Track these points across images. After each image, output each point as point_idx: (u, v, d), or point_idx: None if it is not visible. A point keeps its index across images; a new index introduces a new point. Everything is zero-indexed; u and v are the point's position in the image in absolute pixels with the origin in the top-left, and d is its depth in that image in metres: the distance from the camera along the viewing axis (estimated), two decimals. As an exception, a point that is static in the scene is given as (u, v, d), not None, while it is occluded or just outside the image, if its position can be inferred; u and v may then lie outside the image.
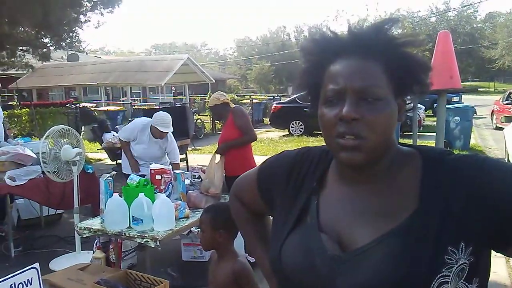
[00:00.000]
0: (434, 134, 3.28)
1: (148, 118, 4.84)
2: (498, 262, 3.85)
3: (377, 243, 0.84)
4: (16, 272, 1.48)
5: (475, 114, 11.94)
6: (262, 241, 1.23)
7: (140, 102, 21.90)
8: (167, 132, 4.70)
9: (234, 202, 1.28)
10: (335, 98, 0.87)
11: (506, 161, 7.80)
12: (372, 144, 0.85)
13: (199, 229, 4.23)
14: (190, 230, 4.12)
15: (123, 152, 4.94)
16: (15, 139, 5.47)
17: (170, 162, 4.84)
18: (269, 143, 12.78)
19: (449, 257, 0.80)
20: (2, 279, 1.45)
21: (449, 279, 0.80)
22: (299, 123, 14.53)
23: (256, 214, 1.24)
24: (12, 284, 1.46)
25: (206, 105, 18.63)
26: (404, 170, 0.90)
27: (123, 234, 3.23)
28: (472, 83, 45.33)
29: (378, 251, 0.83)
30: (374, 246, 0.84)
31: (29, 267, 1.53)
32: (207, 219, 2.19)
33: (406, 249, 0.81)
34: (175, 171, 4.00)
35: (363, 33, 0.89)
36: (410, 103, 0.91)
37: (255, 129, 4.62)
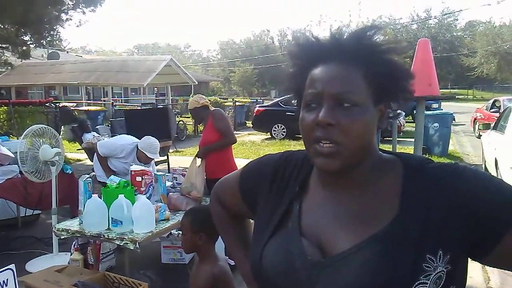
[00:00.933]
0: (413, 139, 3.34)
1: (136, 139, 4.60)
2: (474, 267, 3.89)
3: (357, 249, 0.84)
4: (-9, 273, 1.45)
5: (453, 121, 12.15)
6: (242, 244, 1.23)
7: (121, 102, 21.66)
8: (153, 159, 4.55)
9: (215, 204, 1.27)
10: (313, 103, 0.88)
11: (483, 167, 7.96)
12: (347, 150, 0.86)
13: (179, 231, 4.22)
14: (170, 232, 4.10)
15: (96, 160, 4.66)
16: (-8, 137, 5.35)
17: None
18: (251, 146, 12.78)
19: (427, 265, 0.81)
20: (-24, 280, 1.43)
21: (426, 286, 0.81)
22: (281, 126, 14.59)
23: (237, 217, 1.24)
24: (-14, 286, 1.43)
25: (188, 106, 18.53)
26: (385, 176, 0.91)
27: (102, 236, 3.19)
28: (451, 90, 46.15)
29: (358, 257, 0.83)
30: (354, 252, 0.84)
31: (4, 268, 1.50)
32: (187, 222, 2.19)
33: (385, 256, 0.82)
34: (156, 172, 3.98)
35: (345, 39, 0.90)
36: (396, 110, 0.91)
37: (237, 132, 4.63)
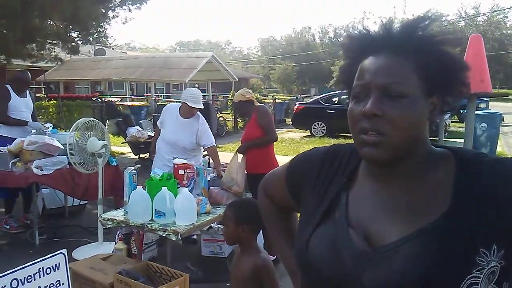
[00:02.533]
0: (459, 140, 3.22)
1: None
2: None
3: (406, 241, 0.84)
4: (45, 257, 1.52)
5: (502, 122, 11.66)
6: (288, 237, 1.24)
7: (163, 98, 22.08)
8: (197, 110, 4.37)
9: (262, 197, 1.29)
10: (361, 94, 0.89)
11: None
12: (393, 142, 0.85)
13: (219, 225, 4.27)
14: (211, 226, 4.15)
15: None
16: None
17: (204, 146, 4.54)
18: (290, 143, 12.74)
19: (481, 259, 0.80)
20: (31, 262, 1.49)
21: (479, 280, 0.80)
22: (321, 124, 14.47)
23: (284, 209, 1.25)
24: (40, 268, 1.50)
25: (228, 103, 18.69)
26: (437, 170, 0.90)
27: (145, 227, 3.27)
28: (500, 90, 44.31)
29: (406, 249, 0.83)
30: (403, 244, 0.84)
31: (56, 252, 1.56)
32: (231, 213, 2.20)
33: (435, 248, 0.81)
34: (197, 166, 4.04)
35: (396, 31, 0.90)
36: (451, 104, 0.89)
37: (277, 129, 4.59)
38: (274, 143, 4.43)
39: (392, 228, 0.87)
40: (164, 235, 3.18)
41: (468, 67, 0.90)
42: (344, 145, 1.08)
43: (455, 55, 0.89)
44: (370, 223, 0.91)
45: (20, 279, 1.46)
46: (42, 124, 5.41)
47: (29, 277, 1.49)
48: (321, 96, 15.72)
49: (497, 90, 43.42)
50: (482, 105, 17.90)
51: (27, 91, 5.34)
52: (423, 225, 0.84)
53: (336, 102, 14.54)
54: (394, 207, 0.90)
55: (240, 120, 16.86)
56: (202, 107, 4.44)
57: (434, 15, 0.90)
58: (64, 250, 1.60)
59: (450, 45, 0.88)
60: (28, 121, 5.10)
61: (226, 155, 8.22)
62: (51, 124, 5.46)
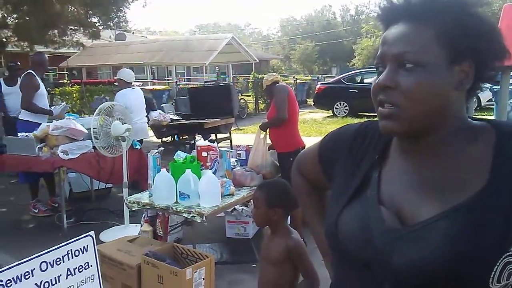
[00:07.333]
0: (488, 117, 3.09)
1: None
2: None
3: (439, 218, 0.80)
4: (73, 239, 1.52)
5: (533, 97, 11.29)
6: (321, 215, 1.23)
7: (184, 81, 22.11)
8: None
9: (296, 176, 1.28)
10: (380, 66, 0.86)
11: None
12: (408, 113, 0.82)
13: (243, 207, 4.27)
14: (235, 207, 4.15)
15: None
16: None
17: None
18: (312, 124, 12.64)
19: None
20: (60, 245, 1.50)
21: None
22: (343, 104, 14.27)
23: (318, 188, 1.24)
24: (69, 250, 1.51)
25: (249, 85, 18.63)
26: (474, 143, 0.85)
27: (170, 209, 3.29)
28: (528, 64, 43.00)
29: (440, 226, 0.79)
30: (437, 221, 0.80)
31: (85, 234, 1.57)
32: (262, 196, 2.16)
33: (470, 227, 0.77)
34: (220, 148, 4.03)
35: None
36: (490, 70, 0.83)
37: (299, 110, 4.55)
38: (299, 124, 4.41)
39: (425, 205, 0.84)
40: (189, 217, 3.19)
41: (499, 30, 0.85)
42: (375, 122, 1.05)
43: (484, 16, 0.83)
44: (403, 201, 0.88)
45: (49, 262, 1.47)
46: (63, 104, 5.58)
47: (58, 259, 1.50)
48: (343, 75, 15.48)
49: (526, 65, 42.07)
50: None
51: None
52: (458, 202, 0.80)
53: (358, 81, 14.30)
54: (427, 183, 0.86)
55: (261, 102, 16.79)
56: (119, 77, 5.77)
57: None
58: (92, 233, 1.61)
59: (477, 5, 0.83)
60: (52, 111, 5.22)
61: (247, 137, 8.19)
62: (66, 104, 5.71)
